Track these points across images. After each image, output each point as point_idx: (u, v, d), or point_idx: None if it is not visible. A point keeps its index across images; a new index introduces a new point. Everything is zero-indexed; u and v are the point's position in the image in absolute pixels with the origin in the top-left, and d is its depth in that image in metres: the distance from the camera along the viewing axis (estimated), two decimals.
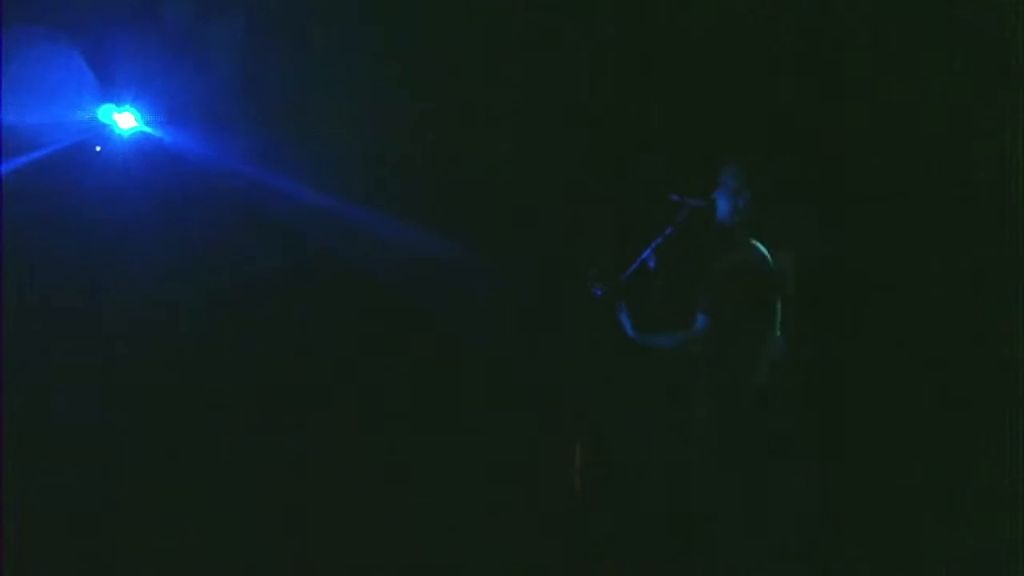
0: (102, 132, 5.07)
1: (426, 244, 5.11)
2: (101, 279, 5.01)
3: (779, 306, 3.96)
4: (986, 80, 4.36)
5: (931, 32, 4.45)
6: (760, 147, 4.35)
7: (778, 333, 3.95)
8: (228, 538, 4.66)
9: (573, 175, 4.91)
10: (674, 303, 3.98)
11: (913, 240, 4.51)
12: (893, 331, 4.52)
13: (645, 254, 4.01)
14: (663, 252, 4.00)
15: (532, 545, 4.67)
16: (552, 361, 4.98)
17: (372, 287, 5.12)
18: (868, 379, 4.52)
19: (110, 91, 4.96)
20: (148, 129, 5.10)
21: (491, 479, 4.87)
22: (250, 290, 5.10)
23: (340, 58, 4.96)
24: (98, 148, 5.08)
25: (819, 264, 4.60)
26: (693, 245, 3.98)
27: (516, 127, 4.97)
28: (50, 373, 4.80)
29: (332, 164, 5.10)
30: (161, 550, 4.58)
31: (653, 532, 4.46)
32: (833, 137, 4.62)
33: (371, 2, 5.03)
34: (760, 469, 3.86)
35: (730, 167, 3.93)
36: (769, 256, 3.90)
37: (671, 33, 4.72)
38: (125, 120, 5.04)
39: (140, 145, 5.10)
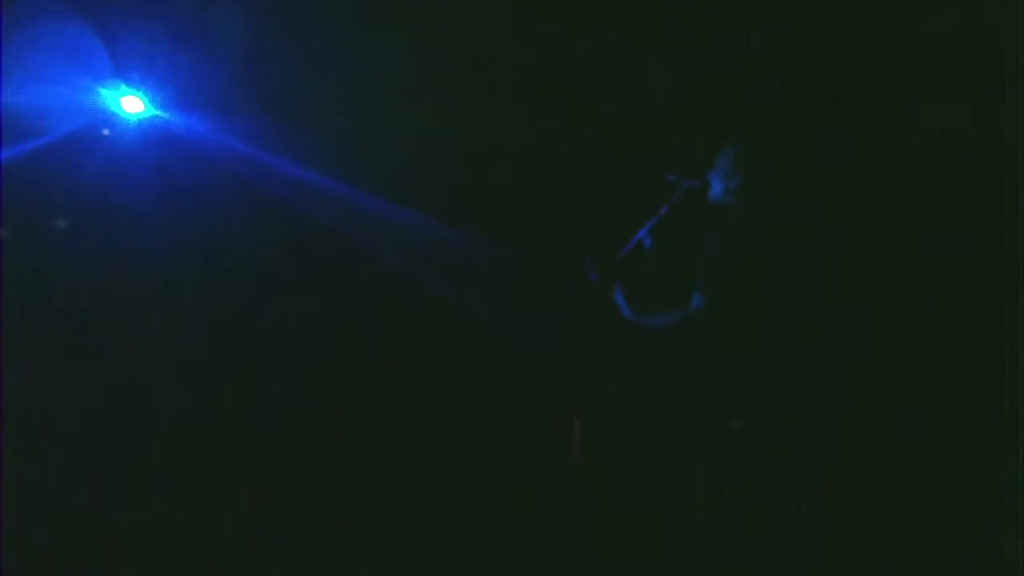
0: (109, 116, 5.06)
1: (429, 230, 5.15)
2: (107, 263, 5.00)
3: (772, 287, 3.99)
4: (988, 80, 4.39)
5: (931, 30, 4.49)
6: (755, 130, 4.38)
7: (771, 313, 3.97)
8: (230, 537, 4.63)
9: (569, 157, 4.94)
10: (669, 283, 4.01)
11: (912, 238, 4.53)
12: (892, 328, 4.52)
13: (640, 234, 4.06)
14: (658, 232, 4.04)
15: (534, 522, 4.67)
16: (550, 341, 4.99)
17: (377, 273, 5.16)
18: (867, 376, 4.51)
19: (118, 74, 4.95)
20: (156, 113, 5.11)
21: (492, 458, 4.87)
22: (256, 277, 5.12)
23: (349, 45, 5.01)
24: (105, 132, 5.10)
25: (816, 258, 4.60)
26: (687, 225, 4.02)
27: (517, 115, 5.01)
28: (53, 367, 4.79)
29: (339, 151, 5.14)
30: (161, 550, 4.56)
31: (651, 509, 4.45)
32: (831, 132, 4.65)
33: None
34: (754, 450, 3.88)
35: (724, 149, 3.98)
36: (762, 237, 3.93)
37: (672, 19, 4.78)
38: (133, 104, 5.04)
39: (148, 129, 5.10)
